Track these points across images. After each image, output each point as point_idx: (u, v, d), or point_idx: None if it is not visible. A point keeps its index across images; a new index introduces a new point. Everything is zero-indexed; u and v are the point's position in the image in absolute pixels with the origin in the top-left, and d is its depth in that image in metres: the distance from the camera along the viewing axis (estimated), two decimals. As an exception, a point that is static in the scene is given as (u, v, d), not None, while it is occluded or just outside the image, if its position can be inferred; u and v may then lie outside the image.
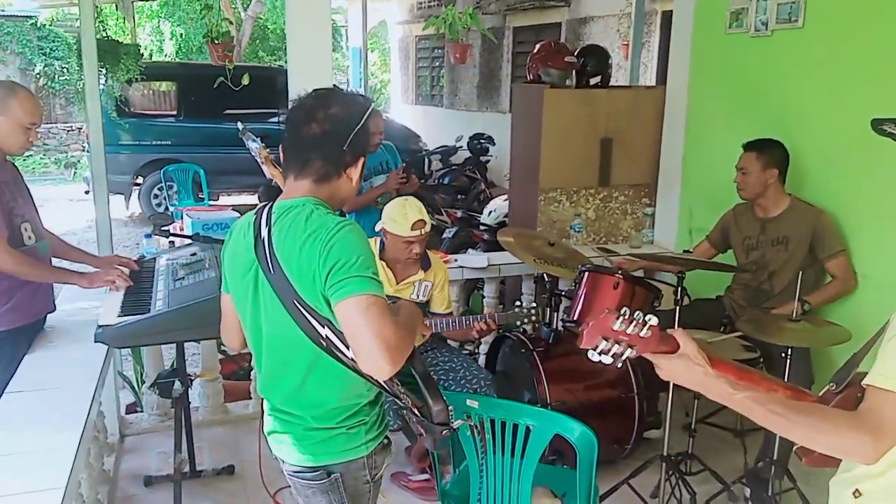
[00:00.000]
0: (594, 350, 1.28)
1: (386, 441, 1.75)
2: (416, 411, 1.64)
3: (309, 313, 1.53)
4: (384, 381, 1.59)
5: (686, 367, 1.31)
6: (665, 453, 2.82)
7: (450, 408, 1.63)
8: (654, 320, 1.27)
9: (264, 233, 1.59)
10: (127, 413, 3.69)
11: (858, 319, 2.90)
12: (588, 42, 7.70)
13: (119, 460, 3.26)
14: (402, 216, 2.76)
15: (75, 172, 12.90)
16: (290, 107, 1.67)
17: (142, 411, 3.66)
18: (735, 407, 1.29)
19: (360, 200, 3.75)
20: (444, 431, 1.62)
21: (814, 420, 1.24)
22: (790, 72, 3.31)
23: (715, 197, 3.61)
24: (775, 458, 2.77)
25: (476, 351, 3.95)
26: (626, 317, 1.26)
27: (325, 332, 1.54)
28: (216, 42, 4.36)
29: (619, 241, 4.31)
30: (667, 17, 6.65)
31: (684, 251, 3.35)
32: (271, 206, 1.63)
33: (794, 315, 2.60)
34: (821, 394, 1.45)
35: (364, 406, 1.67)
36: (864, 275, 3.03)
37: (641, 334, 1.26)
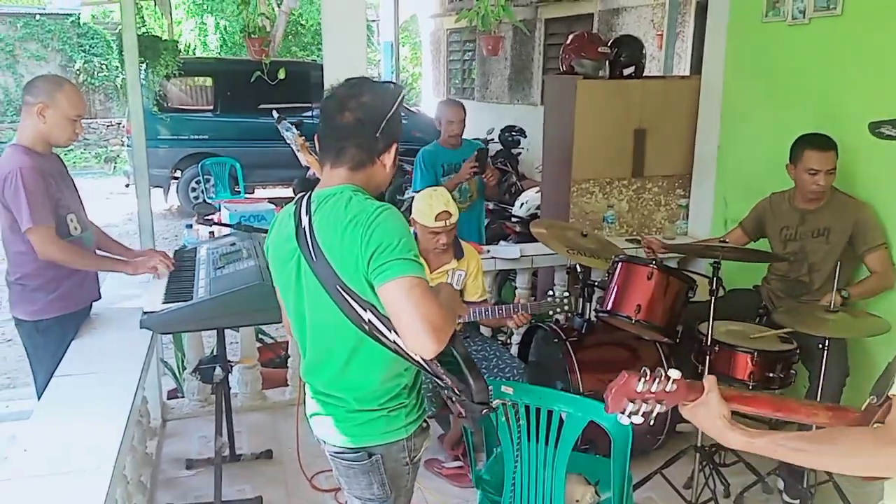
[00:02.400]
0: (622, 413, 1.29)
1: (425, 424, 1.79)
2: (457, 391, 1.68)
3: (352, 298, 1.57)
4: (426, 362, 1.63)
5: (705, 416, 1.30)
6: (699, 443, 2.82)
7: (489, 388, 1.66)
8: (675, 374, 1.27)
9: (305, 221, 1.63)
10: (168, 399, 3.79)
11: (897, 313, 2.86)
12: (620, 32, 7.65)
13: (161, 444, 3.36)
14: (428, 207, 2.80)
15: (115, 167, 13.19)
16: (324, 98, 1.71)
17: (183, 397, 3.76)
18: (759, 452, 1.28)
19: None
20: (484, 410, 1.66)
21: (839, 447, 1.22)
22: (828, 61, 3.26)
23: (751, 187, 3.57)
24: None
25: (509, 341, 3.97)
26: (648, 377, 1.26)
27: (367, 315, 1.58)
28: (253, 37, 4.43)
29: (652, 233, 4.28)
30: (701, 7, 6.57)
31: (720, 239, 3.31)
32: (310, 196, 1.68)
33: (832, 306, 2.57)
34: (863, 408, 1.43)
35: (403, 389, 1.71)
36: (905, 269, 2.99)
37: (667, 389, 1.26)
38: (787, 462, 1.29)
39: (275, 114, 3.00)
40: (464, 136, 4.08)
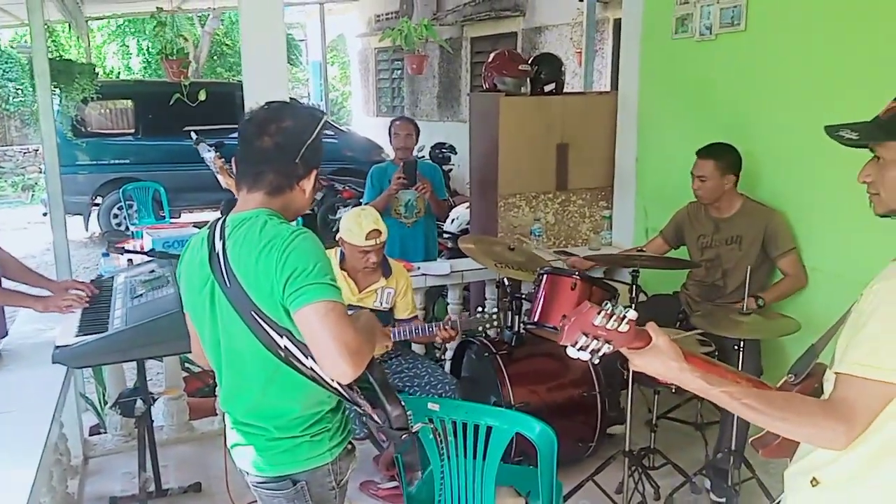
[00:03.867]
0: (573, 346, 1.28)
1: (350, 446, 1.76)
2: (376, 418, 1.67)
3: (267, 324, 1.55)
4: (343, 389, 1.61)
5: (660, 361, 1.30)
6: (627, 449, 2.88)
7: (408, 412, 1.66)
8: (632, 314, 1.27)
9: (218, 246, 1.60)
10: (91, 435, 3.63)
11: (809, 310, 3.00)
12: (543, 50, 7.83)
13: (83, 483, 3.21)
14: (357, 226, 2.79)
15: (33, 195, 12.66)
16: (242, 120, 1.69)
17: (105, 432, 3.61)
18: (712, 399, 1.30)
19: (372, 206, 3.84)
20: (404, 436, 1.65)
21: (788, 412, 1.25)
22: (736, 74, 3.42)
23: (669, 197, 3.70)
24: (733, 448, 2.84)
25: (443, 357, 3.98)
26: (608, 311, 1.26)
27: (283, 342, 1.55)
28: (170, 58, 4.34)
29: (578, 244, 4.39)
30: (619, 25, 6.79)
31: (637, 249, 3.43)
32: (224, 220, 1.65)
33: (744, 308, 2.68)
34: (778, 385, 1.48)
35: (326, 413, 1.69)
36: (814, 268, 3.14)
37: (620, 329, 1.26)
38: (717, 418, 1.31)
39: (193, 135, 2.95)
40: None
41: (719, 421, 3.11)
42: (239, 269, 1.55)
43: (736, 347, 2.70)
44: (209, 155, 2.84)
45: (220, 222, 1.65)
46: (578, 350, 1.27)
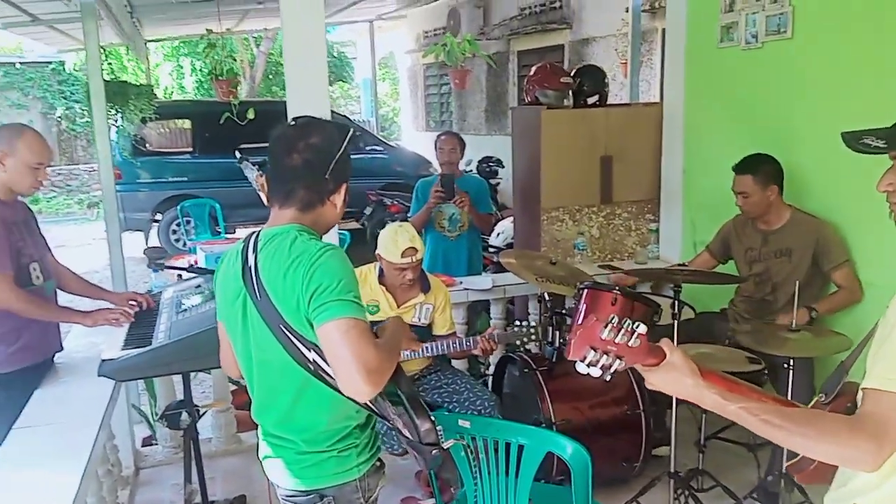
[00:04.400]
0: (582, 362, 1.23)
1: (378, 463, 1.77)
2: (405, 432, 1.66)
3: (296, 338, 1.57)
4: (370, 403, 1.62)
5: (675, 377, 1.26)
6: (672, 470, 2.80)
7: (439, 428, 1.65)
8: (642, 328, 1.22)
9: (251, 260, 1.63)
10: (143, 446, 3.73)
11: (863, 327, 2.87)
12: (591, 62, 7.76)
13: (134, 493, 3.30)
14: (393, 244, 2.81)
15: (98, 212, 13.16)
16: (271, 139, 1.72)
17: (157, 444, 3.71)
18: (730, 417, 1.25)
19: (413, 220, 4.03)
20: (434, 451, 1.64)
21: (811, 428, 1.18)
22: (783, 82, 3.32)
23: (717, 209, 3.60)
24: (784, 471, 2.73)
25: (487, 372, 3.96)
26: (615, 324, 1.21)
27: (312, 356, 1.57)
28: (220, 79, 4.47)
29: (624, 258, 4.31)
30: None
31: (679, 264, 3.35)
32: (258, 234, 1.68)
33: (793, 325, 2.59)
34: (811, 405, 1.43)
35: (354, 429, 1.70)
36: (868, 282, 3.01)
37: (630, 344, 1.22)
38: (770, 442, 1.24)
39: (237, 154, 3.01)
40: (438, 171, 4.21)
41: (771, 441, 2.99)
42: (269, 283, 1.58)
43: (786, 366, 2.60)
44: (252, 173, 2.91)
45: (255, 236, 1.68)
46: (588, 366, 1.22)
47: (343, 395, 1.59)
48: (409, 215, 4.34)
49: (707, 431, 2.99)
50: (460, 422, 2.01)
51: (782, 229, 3.11)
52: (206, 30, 4.54)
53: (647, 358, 1.25)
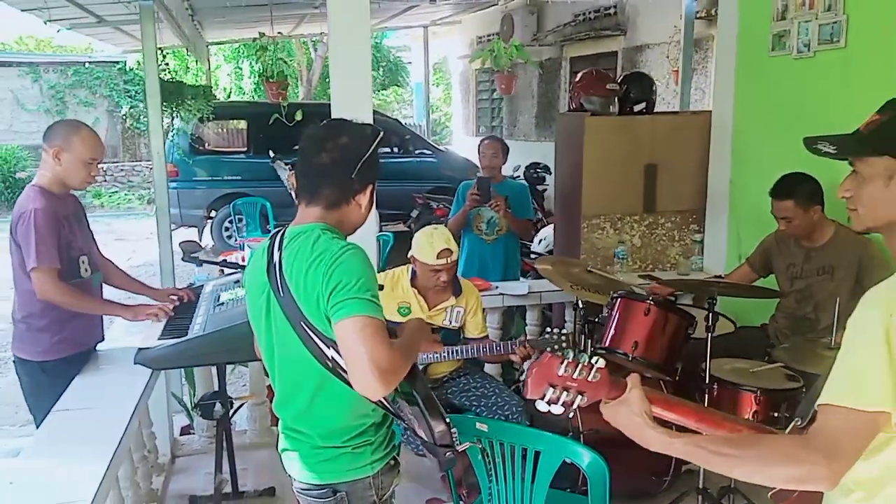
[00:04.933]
0: (542, 399, 1.22)
1: (393, 462, 1.78)
2: (420, 433, 1.68)
3: (315, 335, 1.60)
4: (386, 402, 1.64)
5: (625, 415, 1.24)
6: (701, 485, 2.74)
7: (453, 430, 1.65)
8: (600, 363, 1.22)
9: (276, 257, 1.67)
10: (182, 434, 3.84)
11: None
12: (644, 69, 7.65)
13: (168, 480, 3.39)
14: (429, 245, 2.82)
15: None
16: (302, 138, 1.75)
17: (194, 433, 3.81)
18: (678, 455, 1.23)
19: (451, 223, 4.07)
20: (448, 454, 1.65)
21: (762, 451, 1.15)
22: (835, 92, 3.22)
23: (764, 222, 3.49)
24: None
25: (519, 379, 3.94)
26: (570, 360, 1.21)
27: (330, 353, 1.60)
28: (271, 81, 4.57)
29: (666, 269, 4.24)
30: (723, 42, 6.54)
31: (716, 276, 3.27)
32: (284, 232, 1.72)
33: (832, 343, 2.50)
34: (787, 431, 1.39)
35: (370, 427, 1.72)
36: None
37: (590, 378, 1.21)
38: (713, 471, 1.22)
39: (271, 153, 3.08)
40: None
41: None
42: (291, 280, 1.62)
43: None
44: (284, 173, 2.98)
45: (280, 233, 1.72)
46: (548, 403, 1.21)
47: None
48: (450, 217, 4.36)
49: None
50: (478, 425, 2.01)
51: (825, 246, 3.01)
52: (259, 33, 4.66)
53: (609, 392, 1.24)
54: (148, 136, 15.12)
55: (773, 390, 2.66)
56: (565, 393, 1.21)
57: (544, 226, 7.30)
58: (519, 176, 9.06)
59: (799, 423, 1.33)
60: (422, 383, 1.69)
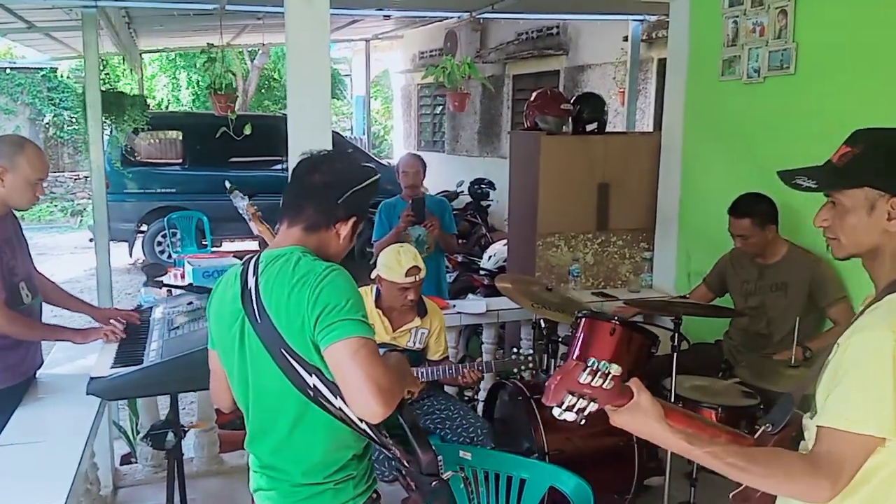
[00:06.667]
0: (559, 406, 1.23)
1: (375, 496, 1.71)
2: (405, 462, 1.62)
3: (297, 362, 1.53)
4: (372, 431, 1.57)
5: (642, 420, 1.27)
6: (666, 503, 2.76)
7: (439, 458, 1.61)
8: (615, 369, 1.23)
9: (251, 282, 1.59)
10: (122, 464, 3.64)
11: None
12: (585, 89, 7.82)
13: (112, 513, 3.20)
14: (397, 263, 2.77)
15: (81, 220, 13.01)
16: (299, 160, 1.70)
17: (136, 462, 3.61)
18: (695, 460, 1.28)
19: (381, 243, 3.96)
20: (434, 483, 1.60)
21: (772, 469, 1.23)
22: (784, 118, 3.34)
23: (712, 241, 3.60)
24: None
25: (476, 398, 3.91)
26: (593, 368, 1.22)
27: (313, 381, 1.53)
28: (219, 93, 4.43)
29: (617, 286, 4.30)
30: (663, 64, 6.74)
31: (681, 296, 3.34)
32: (258, 256, 1.64)
33: (793, 361, 2.57)
34: (756, 436, 1.45)
35: (351, 460, 1.65)
36: (864, 319, 3.01)
37: (604, 386, 1.23)
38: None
39: (227, 184, 2.97)
40: (431, 191, 4.14)
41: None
42: (270, 306, 1.54)
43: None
44: (242, 203, 2.88)
45: (255, 258, 1.64)
46: (565, 410, 1.22)
47: (342, 422, 1.55)
48: (373, 239, 4.22)
49: (698, 463, 2.94)
50: (462, 453, 1.96)
51: (778, 264, 3.11)
52: (208, 44, 4.51)
53: (618, 399, 1.26)
54: (77, 146, 14.51)
55: (733, 407, 2.72)
56: (581, 400, 1.22)
57: (490, 242, 7.35)
58: (462, 191, 9.10)
59: (769, 429, 1.39)
60: (408, 410, 1.64)
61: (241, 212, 2.95)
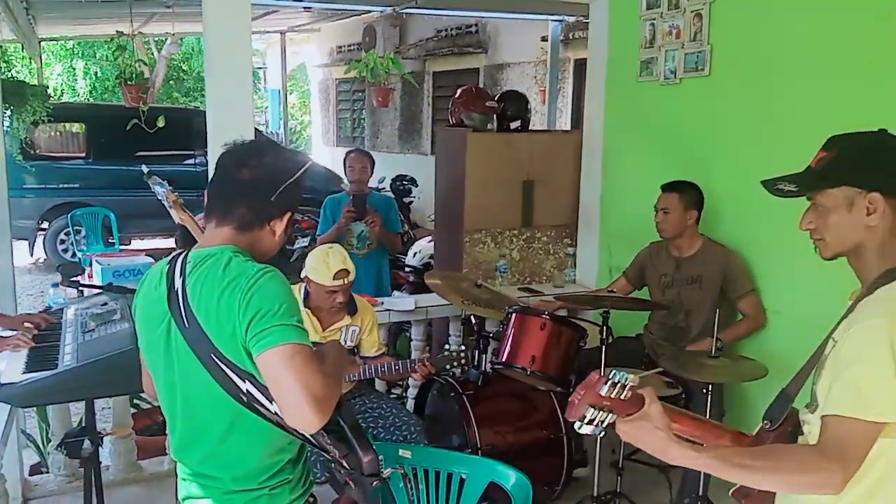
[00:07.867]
0: (581, 421, 1.22)
1: (311, 500, 1.67)
2: (345, 463, 1.59)
3: (228, 367, 1.46)
4: (310, 434, 1.53)
5: (648, 428, 1.25)
6: (595, 493, 2.84)
7: (380, 457, 1.58)
8: (633, 380, 1.22)
9: (178, 283, 1.50)
10: (31, 475, 3.42)
11: (771, 354, 3.02)
12: (505, 87, 7.92)
13: (20, 528, 3.01)
14: (325, 265, 2.71)
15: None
16: (222, 152, 1.61)
17: (47, 472, 3.41)
18: (701, 468, 1.27)
19: (323, 238, 3.96)
20: (375, 483, 1.57)
21: (783, 461, 1.24)
22: (699, 117, 3.49)
23: (632, 236, 3.72)
24: (700, 493, 2.82)
25: (404, 395, 3.89)
26: (613, 380, 1.20)
27: (245, 386, 1.46)
28: (129, 83, 4.23)
29: (542, 281, 4.38)
30: (579, 65, 6.93)
31: (608, 290, 3.43)
32: (186, 255, 1.56)
33: (712, 352, 2.68)
34: (755, 432, 1.46)
35: (287, 464, 1.59)
36: (775, 311, 3.18)
37: (623, 397, 1.22)
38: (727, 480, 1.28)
39: (144, 168, 2.84)
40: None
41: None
42: (199, 309, 1.46)
43: (704, 391, 2.69)
44: (162, 189, 2.74)
45: (182, 257, 1.56)
46: (587, 423, 1.21)
47: (278, 427, 1.50)
48: (317, 233, 4.25)
49: (623, 452, 3.04)
50: (401, 451, 1.94)
51: (694, 257, 3.25)
52: (117, 31, 4.29)
53: (631, 407, 1.24)
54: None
55: (662, 398, 2.81)
56: (601, 413, 1.21)
57: (413, 239, 7.33)
58: (385, 188, 9.04)
59: (768, 425, 1.40)
60: (347, 411, 1.60)
61: (160, 198, 2.81)
